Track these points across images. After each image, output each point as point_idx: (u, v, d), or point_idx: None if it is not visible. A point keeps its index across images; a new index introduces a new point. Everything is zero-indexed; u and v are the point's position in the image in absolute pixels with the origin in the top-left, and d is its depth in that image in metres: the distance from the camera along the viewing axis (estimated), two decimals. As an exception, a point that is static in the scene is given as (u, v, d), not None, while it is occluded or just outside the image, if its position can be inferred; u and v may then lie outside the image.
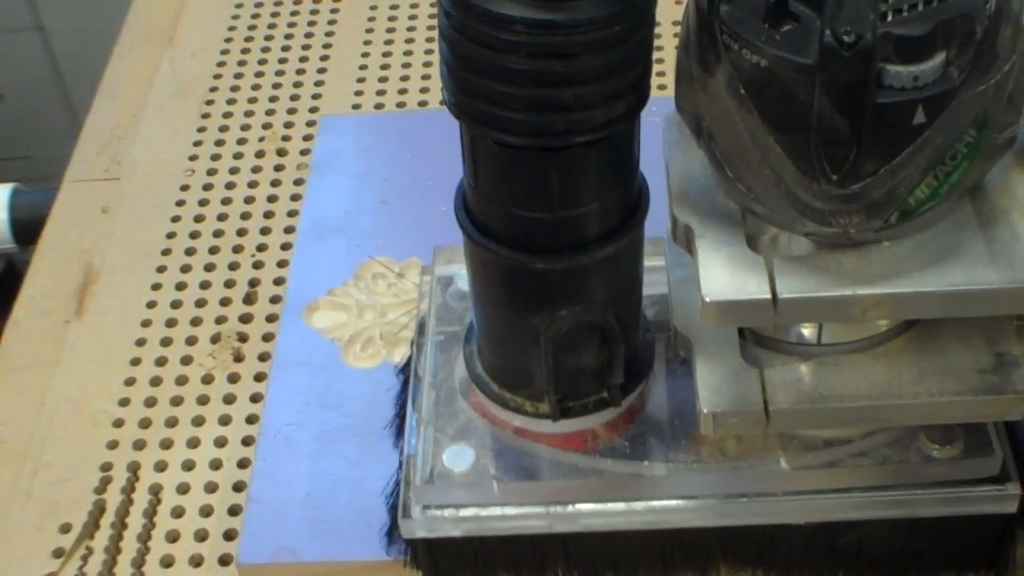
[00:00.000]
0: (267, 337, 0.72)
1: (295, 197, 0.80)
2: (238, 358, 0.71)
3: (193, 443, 0.67)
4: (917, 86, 0.43)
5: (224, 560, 0.62)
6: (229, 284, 0.76)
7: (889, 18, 0.43)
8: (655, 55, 0.49)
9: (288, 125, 0.86)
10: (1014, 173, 0.51)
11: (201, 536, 0.63)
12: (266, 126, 0.86)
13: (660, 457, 0.55)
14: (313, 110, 0.87)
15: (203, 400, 0.69)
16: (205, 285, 0.76)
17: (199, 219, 0.80)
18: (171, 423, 0.68)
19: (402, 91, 0.87)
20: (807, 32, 0.43)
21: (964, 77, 0.44)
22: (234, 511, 0.64)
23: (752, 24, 0.44)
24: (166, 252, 0.78)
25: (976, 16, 0.43)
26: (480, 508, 0.55)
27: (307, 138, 0.85)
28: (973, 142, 0.46)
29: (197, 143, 0.85)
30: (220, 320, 0.73)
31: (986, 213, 0.49)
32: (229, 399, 0.69)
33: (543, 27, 0.44)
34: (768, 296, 0.47)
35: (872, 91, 0.43)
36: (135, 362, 0.71)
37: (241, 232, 0.79)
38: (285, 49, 0.92)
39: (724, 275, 0.48)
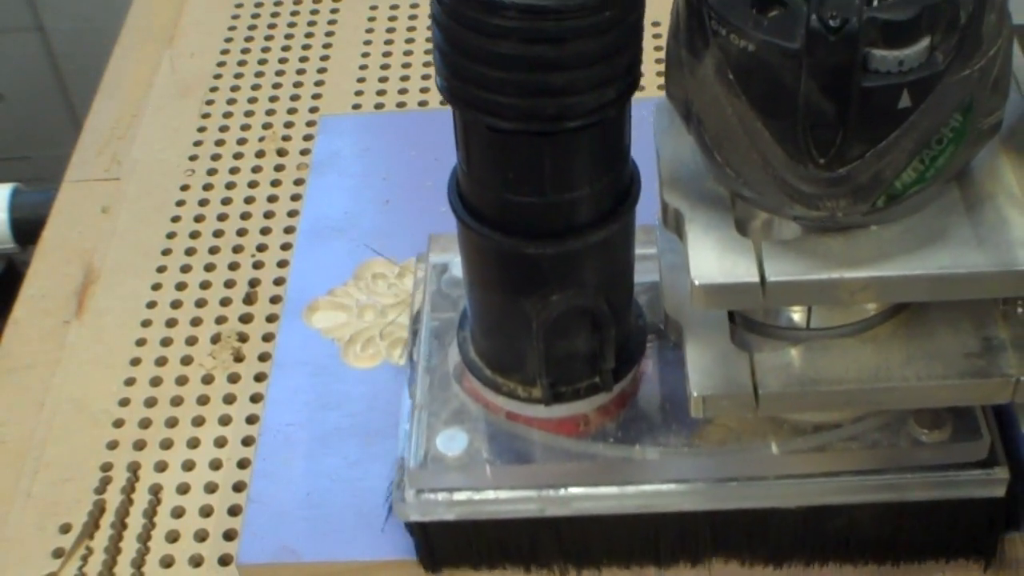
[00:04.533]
0: (267, 337, 0.72)
1: (295, 197, 0.80)
2: (238, 358, 0.71)
3: (193, 443, 0.67)
4: (903, 70, 0.44)
5: (224, 560, 0.62)
6: (229, 284, 0.76)
7: (874, 3, 0.43)
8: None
9: (288, 125, 0.86)
10: (1000, 158, 0.51)
11: (201, 536, 0.63)
12: (266, 126, 0.86)
13: (651, 441, 0.55)
14: (313, 110, 0.87)
15: (203, 400, 0.69)
16: (205, 285, 0.76)
17: (199, 219, 0.80)
18: (171, 423, 0.68)
19: (402, 91, 0.88)
20: (794, 17, 0.44)
21: (949, 62, 0.44)
22: (234, 511, 0.64)
23: (739, 9, 0.45)
24: (166, 252, 0.78)
25: (961, 1, 0.44)
26: (473, 492, 0.55)
27: (307, 138, 0.85)
28: (959, 127, 0.46)
29: (197, 143, 0.85)
30: (220, 320, 0.74)
31: (973, 198, 0.50)
32: (229, 399, 0.69)
33: (534, 12, 0.44)
34: (757, 279, 0.48)
35: (858, 75, 0.43)
36: (135, 362, 0.72)
37: (241, 232, 0.79)
38: (285, 49, 0.92)
39: (713, 258, 0.49)
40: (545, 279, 0.52)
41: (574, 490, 0.55)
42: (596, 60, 0.46)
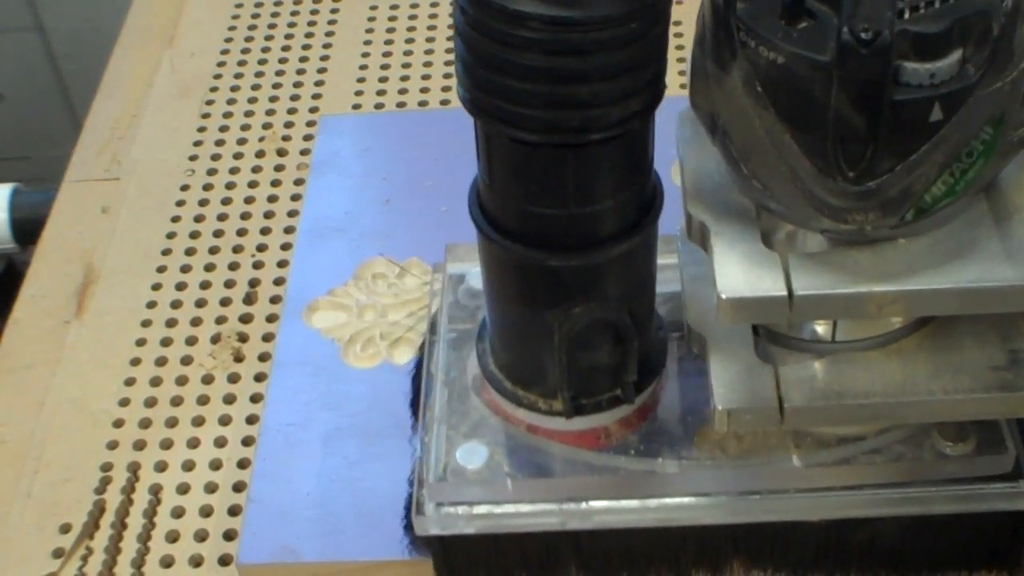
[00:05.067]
0: (267, 337, 0.72)
1: (295, 197, 0.80)
2: (238, 358, 0.71)
3: (193, 443, 0.67)
4: (934, 83, 0.43)
5: (224, 560, 0.62)
6: (229, 284, 0.76)
7: (906, 15, 0.43)
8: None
9: (288, 125, 0.86)
10: (1029, 170, 0.51)
11: (201, 536, 0.63)
12: (266, 126, 0.86)
13: (673, 454, 0.55)
14: (313, 110, 0.87)
15: (203, 400, 0.69)
16: (205, 285, 0.76)
17: (199, 219, 0.80)
18: (171, 423, 0.68)
19: (402, 91, 0.87)
20: (824, 29, 0.43)
21: (981, 74, 0.44)
22: (234, 511, 0.64)
23: (768, 21, 0.44)
24: (166, 252, 0.78)
25: (993, 13, 0.43)
26: (493, 505, 0.55)
27: (307, 138, 0.84)
28: (989, 139, 0.46)
29: (197, 143, 0.85)
30: (220, 320, 0.73)
31: (1001, 210, 0.49)
32: (229, 399, 0.69)
33: (559, 24, 0.44)
34: (784, 293, 0.47)
35: (889, 88, 0.43)
36: (135, 362, 0.71)
37: (241, 232, 0.79)
38: (285, 49, 0.92)
39: (739, 272, 0.48)
40: (568, 291, 0.51)
41: (595, 503, 0.55)
42: (622, 72, 0.46)
